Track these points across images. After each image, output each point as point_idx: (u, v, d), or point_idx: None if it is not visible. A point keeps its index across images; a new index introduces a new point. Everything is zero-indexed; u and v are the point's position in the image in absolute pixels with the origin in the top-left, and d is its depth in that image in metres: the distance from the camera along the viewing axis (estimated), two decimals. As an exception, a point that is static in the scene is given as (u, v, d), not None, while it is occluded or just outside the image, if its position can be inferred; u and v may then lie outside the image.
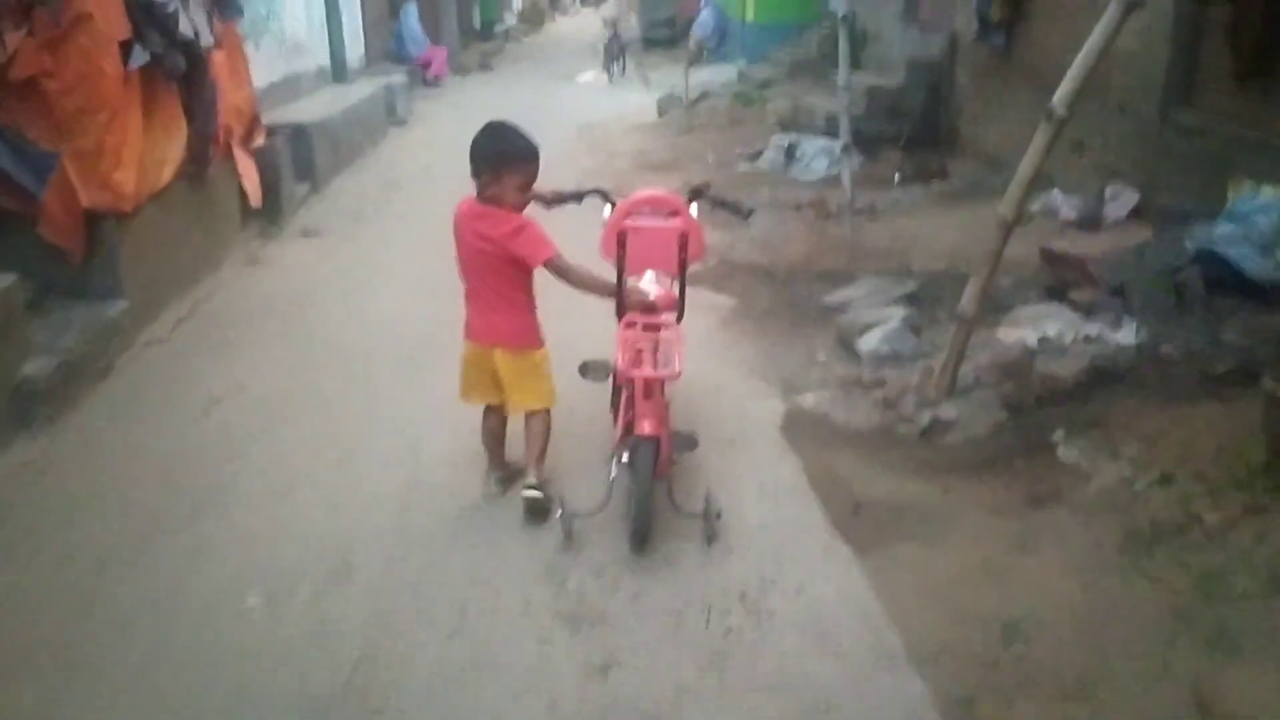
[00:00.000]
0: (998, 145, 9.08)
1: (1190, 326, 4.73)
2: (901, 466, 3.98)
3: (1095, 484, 3.52)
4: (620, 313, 3.68)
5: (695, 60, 16.93)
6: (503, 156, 3.53)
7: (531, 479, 3.69)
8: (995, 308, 5.60)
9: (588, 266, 3.68)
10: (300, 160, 8.91)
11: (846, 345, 5.08)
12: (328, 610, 3.21)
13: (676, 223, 3.73)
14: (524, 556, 3.49)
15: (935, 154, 9.63)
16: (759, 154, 10.35)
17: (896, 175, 8.97)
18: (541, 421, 3.78)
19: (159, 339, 5.56)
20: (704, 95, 14.09)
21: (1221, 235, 5.02)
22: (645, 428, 3.38)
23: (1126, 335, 4.68)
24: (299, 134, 8.97)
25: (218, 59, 6.60)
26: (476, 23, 24.65)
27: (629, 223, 3.73)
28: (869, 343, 4.85)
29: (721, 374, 4.97)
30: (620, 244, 3.60)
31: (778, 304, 5.96)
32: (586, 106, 15.20)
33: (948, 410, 4.14)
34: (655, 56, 22.25)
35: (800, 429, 4.32)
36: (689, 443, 3.71)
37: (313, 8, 11.70)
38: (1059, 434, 3.80)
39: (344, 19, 13.04)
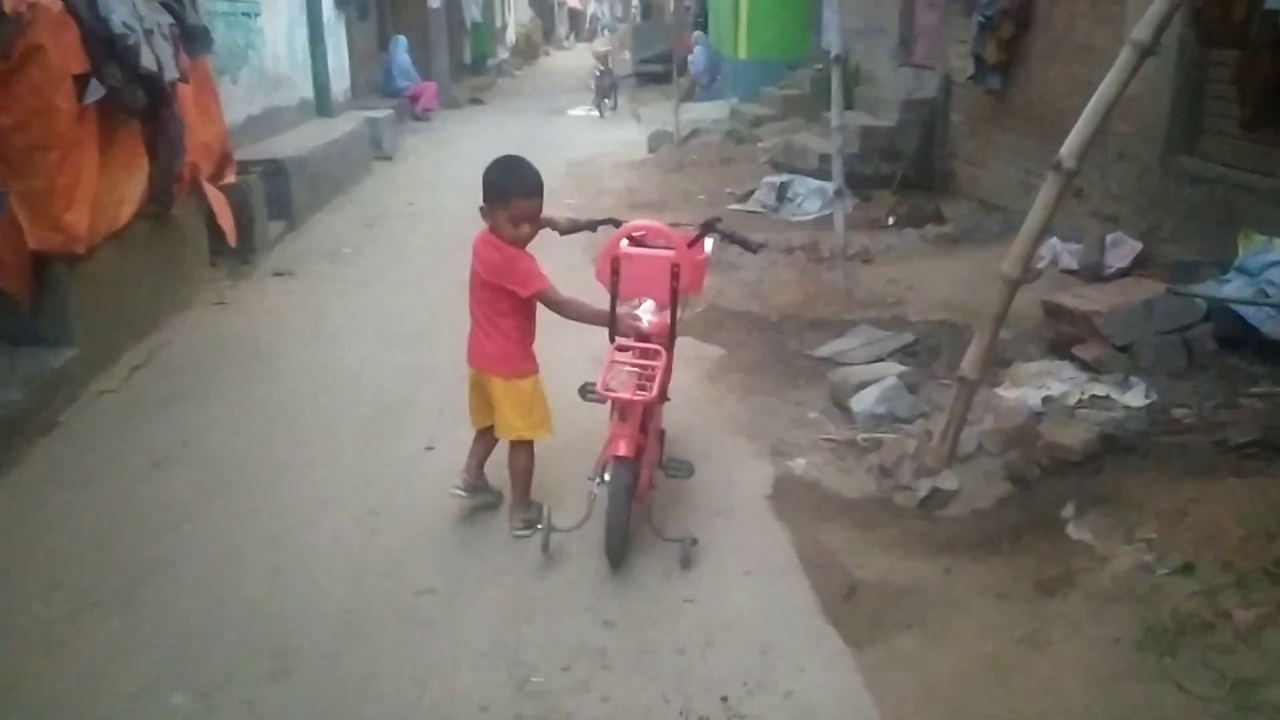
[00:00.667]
0: (993, 188, 8.87)
1: (1203, 389, 4.47)
2: (899, 542, 3.68)
3: (1110, 569, 3.22)
4: (612, 337, 3.72)
5: (687, 96, 16.79)
6: (498, 189, 3.61)
7: (518, 523, 3.80)
8: (995, 362, 5.34)
9: (581, 299, 3.76)
10: (276, 197, 8.64)
11: (840, 404, 4.79)
12: (262, 711, 2.88)
13: (670, 253, 3.73)
14: (484, 643, 3.18)
15: (930, 197, 9.41)
16: (750, 193, 10.12)
17: (890, 218, 8.72)
18: (523, 456, 3.84)
19: (111, 389, 5.24)
20: (695, 132, 13.90)
21: (1233, 290, 4.76)
22: (619, 448, 3.46)
23: (1136, 397, 4.40)
24: (276, 170, 8.70)
25: (185, 93, 6.34)
26: (468, 57, 24.49)
27: (622, 250, 3.77)
28: (863, 402, 4.57)
29: (708, 434, 4.67)
30: (614, 270, 3.69)
31: (768, 355, 5.68)
32: (576, 142, 14.99)
33: (948, 480, 3.85)
34: (647, 92, 22.15)
35: (790, 498, 4.02)
36: (685, 469, 3.87)
37: (296, 40, 11.48)
38: (1069, 509, 3.51)
39: (329, 51, 12.81)
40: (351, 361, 5.73)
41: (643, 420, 3.58)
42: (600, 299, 3.78)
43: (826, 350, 5.62)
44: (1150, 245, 6.35)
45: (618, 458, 3.46)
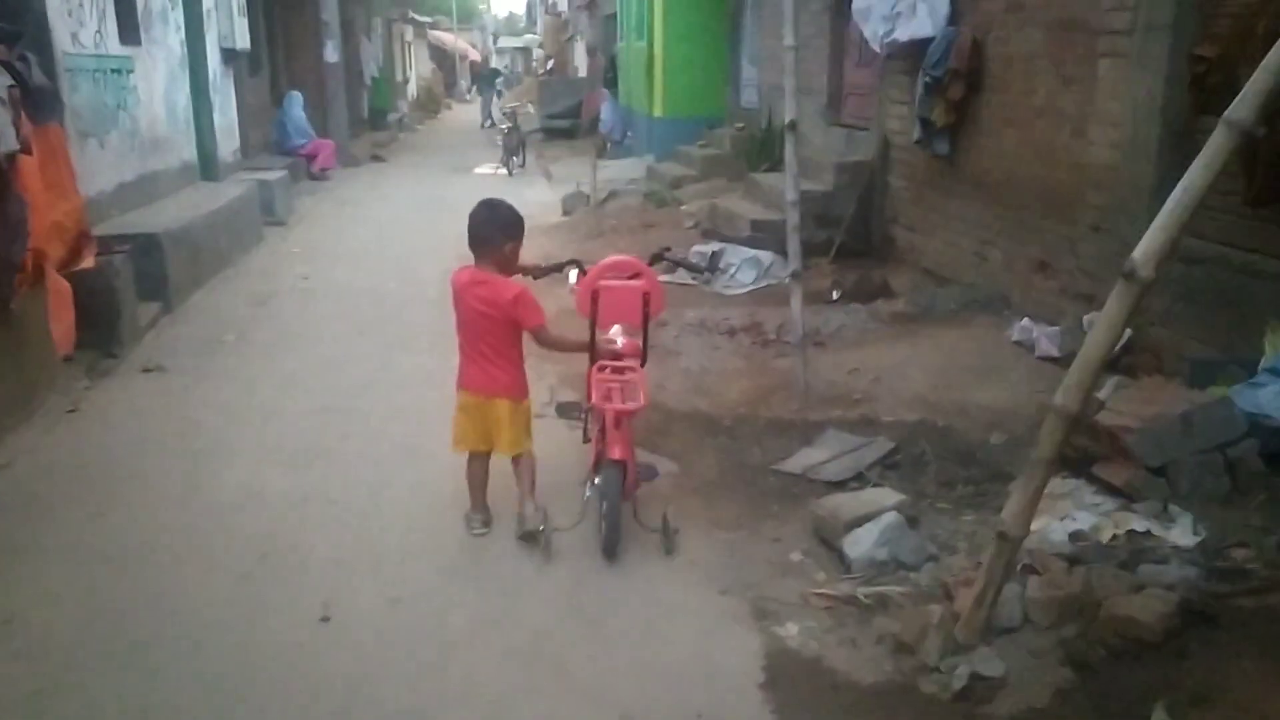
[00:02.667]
0: (942, 258, 8.27)
1: (1255, 519, 3.79)
2: (936, 754, 2.87)
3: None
4: (592, 360, 4.24)
5: (599, 154, 16.09)
6: (505, 230, 4.13)
7: (530, 522, 4.11)
8: (992, 475, 4.62)
9: (561, 331, 4.52)
10: (149, 276, 7.59)
11: (827, 541, 3.99)
12: None
13: (641, 283, 4.29)
14: None
15: (873, 266, 8.78)
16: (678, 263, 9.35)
17: (834, 292, 8.04)
18: (529, 459, 4.27)
19: (-85, 540, 4.18)
20: (612, 194, 13.17)
21: (1272, 397, 4.11)
22: (614, 453, 3.95)
23: (1183, 534, 3.70)
24: (148, 245, 7.66)
25: (28, 166, 5.33)
26: (366, 112, 23.53)
27: (601, 283, 4.25)
28: (860, 545, 3.77)
29: (670, 586, 3.82)
30: (593, 301, 4.20)
31: (728, 471, 4.86)
32: (485, 204, 14.12)
33: (990, 663, 3.06)
34: (554, 148, 21.45)
35: (790, 687, 3.18)
36: (649, 473, 4.41)
37: (176, 97, 10.44)
38: (1159, 713, 2.73)
39: (215, 109, 11.78)
40: (229, 489, 4.73)
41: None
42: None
43: (795, 464, 4.83)
44: (1138, 331, 5.73)
45: (614, 460, 3.93)
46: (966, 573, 3.57)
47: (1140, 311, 5.86)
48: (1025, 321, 6.37)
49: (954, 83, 7.57)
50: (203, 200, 9.81)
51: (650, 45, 15.85)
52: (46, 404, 5.78)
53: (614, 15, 21.30)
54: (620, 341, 4.37)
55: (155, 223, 8.18)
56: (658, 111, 15.68)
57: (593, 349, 4.26)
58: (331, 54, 18.26)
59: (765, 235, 9.41)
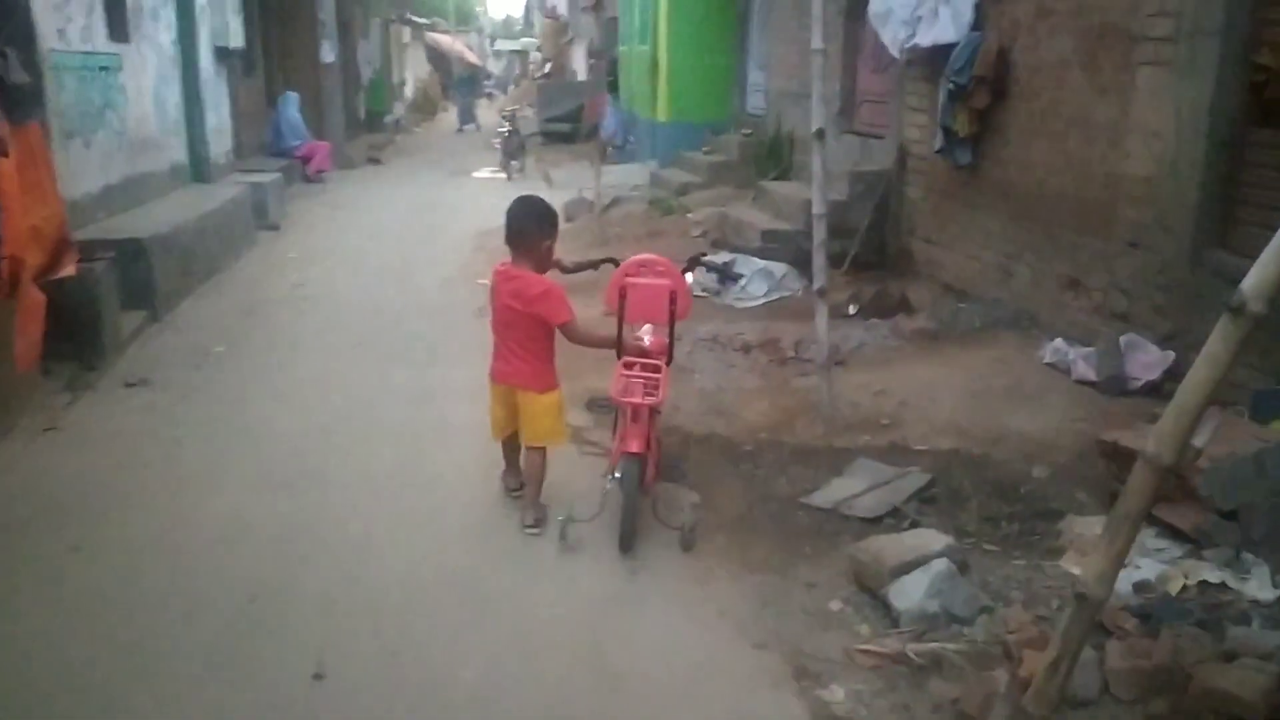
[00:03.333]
0: (963, 273, 7.95)
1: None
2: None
3: None
4: (620, 355, 4.30)
5: (601, 159, 15.74)
6: (542, 225, 4.26)
7: (530, 520, 4.25)
8: (1038, 512, 4.29)
9: (590, 327, 4.48)
10: (135, 283, 7.25)
11: (868, 588, 3.66)
12: None
13: (668, 282, 4.35)
14: None
15: (890, 279, 8.46)
16: (686, 273, 9.01)
17: (851, 306, 7.71)
18: (538, 460, 4.34)
19: None
20: (615, 200, 12.83)
21: (1348, 434, 3.78)
22: (632, 446, 3.98)
23: (1261, 586, 3.38)
24: (134, 251, 7.31)
25: (4, 169, 4.98)
26: (362, 113, 23.17)
27: (629, 280, 4.33)
28: (908, 596, 3.44)
29: (699, 641, 3.48)
30: (621, 297, 4.30)
31: (754, 503, 4.52)
32: (485, 209, 13.67)
33: (1067, 741, 2.73)
34: (554, 152, 21.10)
35: (839, 761, 2.85)
36: (676, 471, 4.66)
37: (167, 97, 10.09)
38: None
39: (208, 109, 11.43)
40: (215, 521, 4.38)
41: (649, 422, 4.08)
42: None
43: (826, 498, 4.50)
44: (1184, 353, 5.42)
45: (631, 454, 3.97)
46: (1026, 628, 3.25)
47: (1177, 334, 5.63)
48: (1058, 342, 6.04)
49: (978, 90, 7.26)
50: (193, 203, 9.46)
51: (654, 48, 15.52)
52: (22, 421, 5.43)
53: (617, 18, 20.98)
54: (648, 339, 4.43)
55: (142, 227, 7.83)
56: (661, 116, 15.34)
57: (619, 344, 4.31)
58: (328, 54, 17.91)
59: (777, 246, 9.11)
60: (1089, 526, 4.00)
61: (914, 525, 4.21)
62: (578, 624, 3.58)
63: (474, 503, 4.59)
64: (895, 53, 8.34)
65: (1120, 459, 4.13)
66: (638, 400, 4.02)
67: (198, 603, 3.72)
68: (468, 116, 30.93)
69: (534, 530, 4.21)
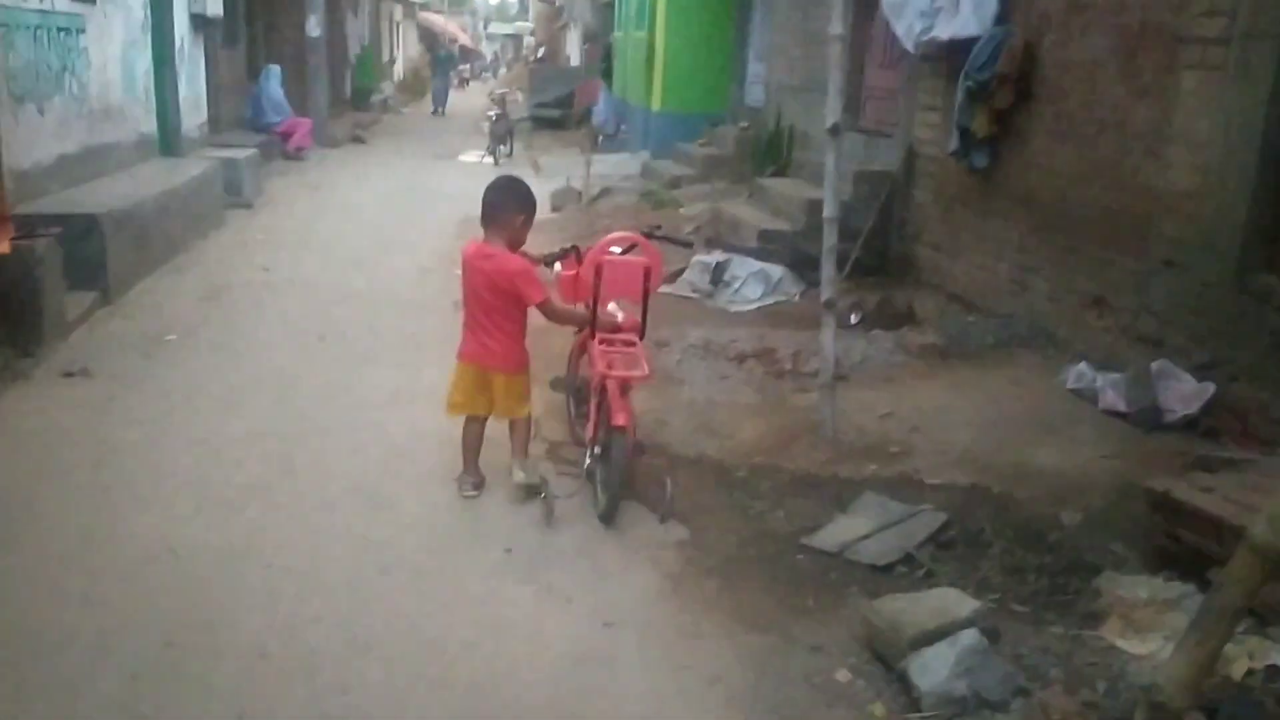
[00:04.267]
0: (970, 283, 7.47)
1: None
2: None
3: None
4: (594, 333, 4.32)
5: (592, 147, 15.21)
6: (522, 205, 4.29)
7: (519, 471, 4.33)
8: (1070, 564, 3.81)
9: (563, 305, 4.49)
10: (85, 262, 6.71)
11: (884, 658, 3.17)
12: None
13: (643, 259, 4.40)
14: None
15: (893, 287, 7.96)
16: (678, 273, 8.51)
17: (853, 316, 7.21)
18: (525, 423, 4.44)
19: None
20: (605, 191, 12.31)
21: None
22: (618, 420, 3.98)
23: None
24: (86, 227, 6.76)
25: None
26: (349, 91, 22.54)
27: (604, 258, 4.32)
28: (932, 674, 2.95)
29: (686, 714, 2.99)
30: (596, 274, 4.25)
31: (747, 540, 4.04)
32: (470, 194, 12.92)
33: None
34: (543, 137, 20.58)
35: None
36: (638, 449, 4.44)
37: (135, 63, 9.49)
38: None
39: (181, 79, 10.84)
40: (140, 540, 3.87)
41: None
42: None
43: (830, 539, 4.01)
44: (1218, 386, 4.95)
45: (617, 427, 3.98)
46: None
47: (1216, 364, 5.16)
48: (1082, 366, 5.56)
49: (1001, 89, 6.75)
50: (158, 177, 8.90)
51: (651, 35, 14.99)
52: (-60, 414, 4.90)
53: (613, 3, 20.42)
54: (620, 316, 4.46)
55: (97, 201, 7.27)
56: (656, 105, 14.82)
57: (594, 321, 4.33)
58: (314, 28, 17.27)
59: (774, 247, 8.62)
60: (1131, 588, 3.54)
61: (929, 574, 3.75)
62: (547, 689, 3.09)
63: (438, 532, 4.09)
64: (909, 45, 7.84)
65: (1172, 513, 3.64)
66: (623, 374, 4.08)
67: (108, 644, 3.21)
68: (441, 100, 29.18)
69: (528, 483, 4.29)
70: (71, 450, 4.69)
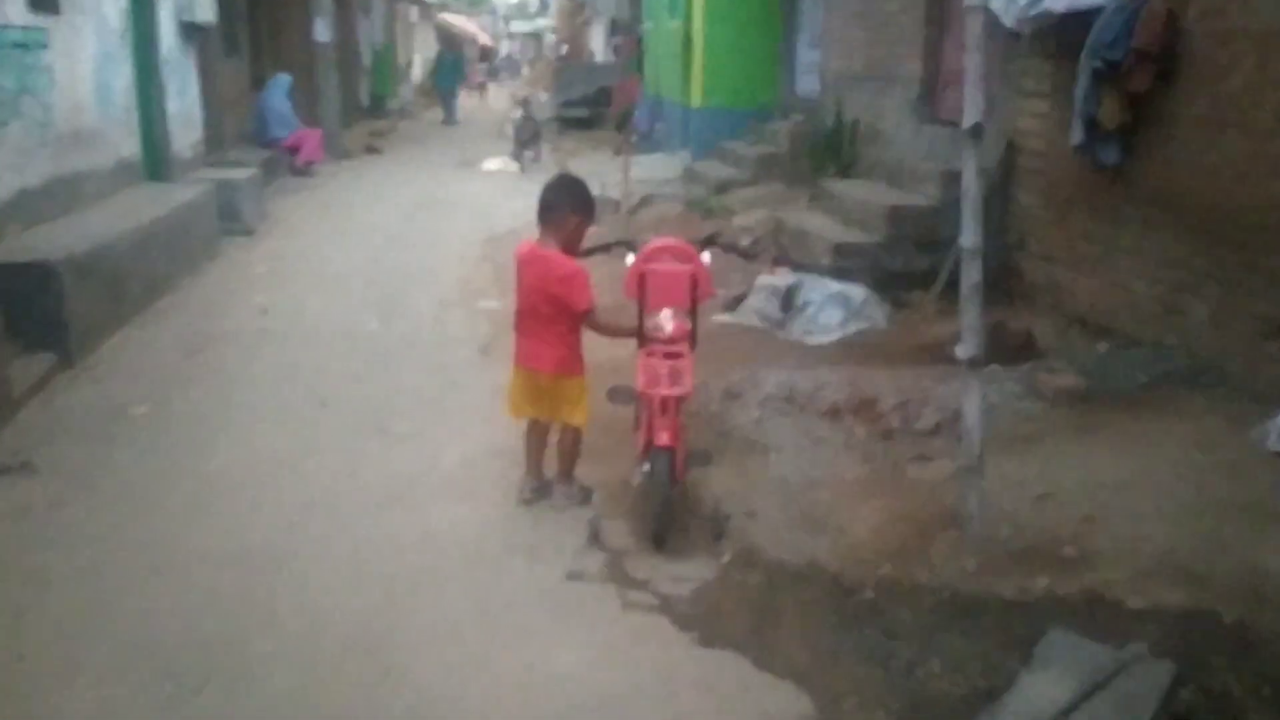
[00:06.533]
0: (1101, 304, 6.21)
1: None
2: None
3: None
4: (641, 343, 4.16)
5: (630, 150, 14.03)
6: (583, 206, 4.20)
7: (561, 498, 4.27)
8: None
9: (612, 315, 4.38)
10: (38, 318, 5.63)
11: None
12: None
13: (688, 266, 4.18)
14: None
15: (999, 306, 6.69)
16: (740, 298, 7.31)
17: (959, 349, 5.95)
18: (571, 438, 4.27)
19: None
20: (646, 199, 11.11)
21: None
22: (663, 439, 3.90)
23: None
24: (39, 278, 5.67)
25: None
26: (365, 98, 21.46)
27: (648, 267, 4.16)
28: None
29: None
30: (641, 284, 4.13)
31: (901, 714, 2.85)
32: (494, 207, 12.06)
33: None
34: (570, 139, 19.41)
35: None
36: (704, 458, 4.28)
37: (111, 80, 8.39)
38: None
39: (170, 95, 9.74)
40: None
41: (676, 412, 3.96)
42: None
43: (1019, 713, 2.81)
44: None
45: (662, 447, 3.89)
46: None
47: None
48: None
49: (1138, 69, 5.49)
50: (140, 208, 7.80)
51: (688, 22, 13.73)
52: None
53: (640, -8, 19.21)
54: (669, 326, 4.27)
55: (55, 245, 6.15)
56: (695, 101, 13.55)
57: (641, 332, 4.18)
58: (322, 33, 16.17)
59: (852, 263, 7.41)
60: None
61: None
62: None
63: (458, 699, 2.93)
64: (1008, 22, 6.57)
65: None
66: (665, 391, 3.93)
67: None
68: (451, 109, 25.51)
69: (567, 503, 4.22)
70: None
